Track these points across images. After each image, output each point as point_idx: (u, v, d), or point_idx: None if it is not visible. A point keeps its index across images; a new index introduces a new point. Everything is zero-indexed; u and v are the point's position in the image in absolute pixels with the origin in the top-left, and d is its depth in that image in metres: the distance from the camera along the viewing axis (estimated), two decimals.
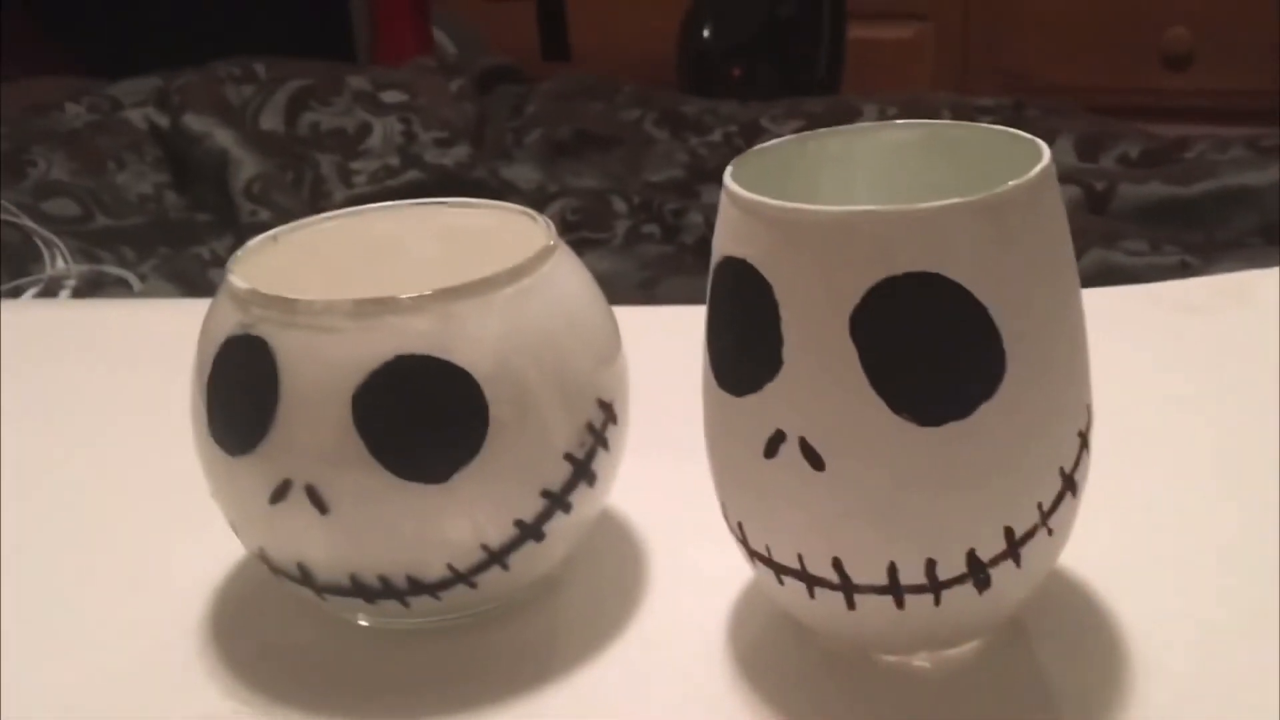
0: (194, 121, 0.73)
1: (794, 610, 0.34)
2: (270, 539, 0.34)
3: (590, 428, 0.35)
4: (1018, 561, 0.30)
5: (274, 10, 1.41)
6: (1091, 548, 0.34)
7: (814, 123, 0.84)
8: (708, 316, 0.32)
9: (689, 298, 0.59)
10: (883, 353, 0.28)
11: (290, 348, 0.32)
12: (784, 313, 0.29)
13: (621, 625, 0.36)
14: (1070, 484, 0.31)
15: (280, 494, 0.33)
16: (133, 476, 0.47)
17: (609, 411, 0.35)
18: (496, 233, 0.39)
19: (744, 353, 0.30)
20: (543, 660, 0.35)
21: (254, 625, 0.37)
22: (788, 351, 0.29)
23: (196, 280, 0.67)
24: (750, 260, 0.30)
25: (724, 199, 0.31)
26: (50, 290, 0.66)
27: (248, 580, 0.39)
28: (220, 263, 0.70)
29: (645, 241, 0.68)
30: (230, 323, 0.33)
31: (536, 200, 0.73)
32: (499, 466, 0.33)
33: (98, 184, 0.74)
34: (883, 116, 0.81)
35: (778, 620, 0.35)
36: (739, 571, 0.37)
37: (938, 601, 0.30)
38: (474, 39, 1.78)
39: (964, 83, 1.92)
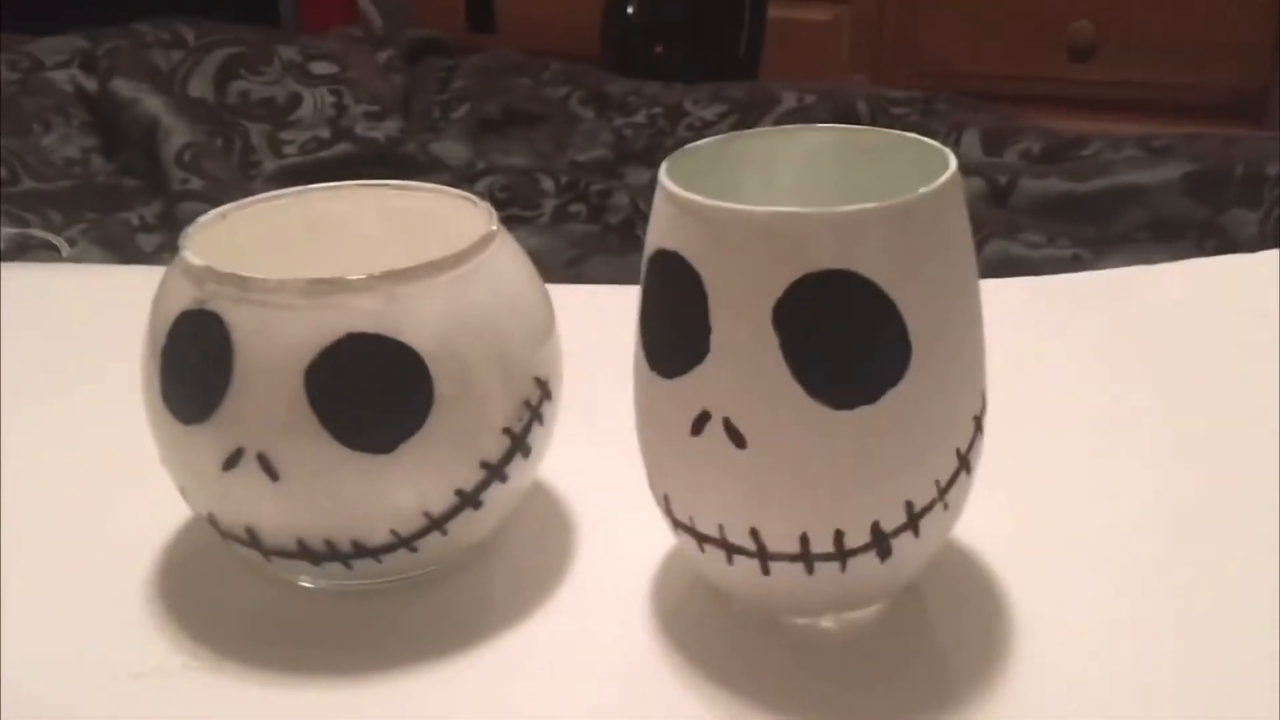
0: (123, 86, 0.73)
1: (713, 576, 0.36)
2: (220, 504, 0.36)
3: (527, 404, 0.37)
4: (916, 533, 0.33)
5: None
6: (982, 522, 0.37)
7: (735, 107, 0.87)
8: (641, 304, 0.35)
9: (614, 277, 0.62)
10: (802, 342, 0.31)
11: (244, 323, 0.34)
12: (712, 303, 0.31)
13: (551, 588, 0.39)
14: (965, 463, 0.34)
15: (232, 461, 0.34)
16: (74, 441, 0.48)
17: (544, 388, 0.38)
18: (437, 215, 0.41)
19: (675, 338, 0.33)
20: (477, 621, 0.37)
21: (200, 585, 0.39)
22: (715, 338, 0.32)
23: (126, 246, 0.68)
24: (682, 253, 0.32)
25: (659, 195, 0.33)
26: None
27: (192, 542, 0.41)
28: (149, 229, 0.70)
29: (572, 220, 0.70)
30: (185, 297, 0.35)
31: (466, 177, 0.74)
32: (442, 439, 0.35)
33: (23, 146, 0.74)
34: (801, 104, 0.84)
35: (696, 585, 0.38)
36: (661, 540, 0.40)
37: (844, 569, 0.33)
38: (398, 8, 1.78)
39: (878, 66, 1.97)
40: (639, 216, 0.69)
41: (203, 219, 0.39)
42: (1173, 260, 0.61)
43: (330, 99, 0.78)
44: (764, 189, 0.37)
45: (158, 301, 0.37)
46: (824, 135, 0.37)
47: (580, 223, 0.70)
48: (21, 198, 0.70)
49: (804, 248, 0.30)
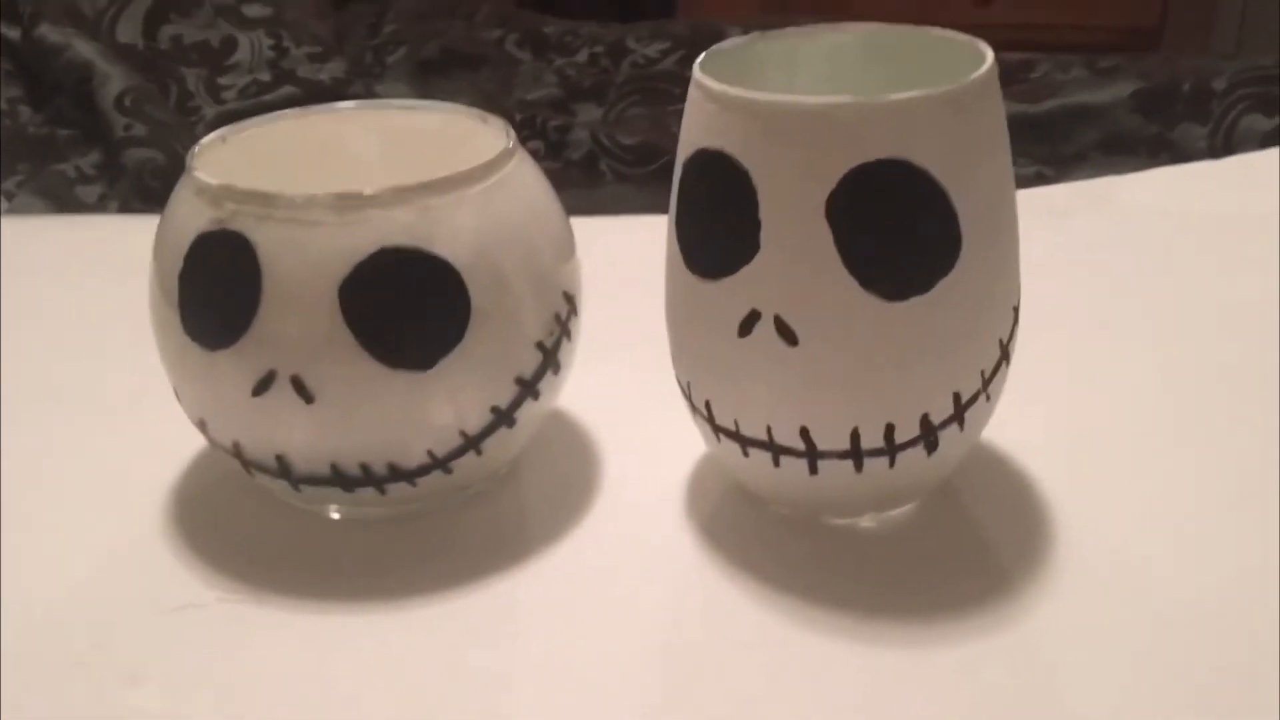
0: (51, 32, 0.70)
1: (756, 481, 0.36)
2: (249, 432, 0.35)
3: (557, 318, 0.36)
4: (961, 425, 0.34)
5: None
6: (996, 419, 0.38)
7: (679, 43, 0.86)
8: (677, 207, 0.34)
9: (585, 210, 0.61)
10: (855, 234, 0.31)
11: (271, 241, 0.33)
12: (762, 199, 0.31)
13: (583, 506, 0.38)
14: (1006, 354, 0.34)
15: (264, 385, 0.33)
16: (66, 388, 0.46)
17: (571, 303, 0.37)
18: (443, 134, 0.40)
19: (720, 238, 0.33)
20: (512, 541, 0.37)
21: (222, 520, 0.38)
22: (765, 235, 0.31)
23: (65, 197, 0.65)
24: (727, 150, 0.32)
25: (696, 95, 0.33)
26: None
27: (206, 476, 0.40)
28: (89, 180, 0.67)
29: (532, 158, 0.69)
30: (202, 219, 0.33)
31: None
32: (479, 354, 0.34)
33: None
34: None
35: (731, 492, 0.38)
36: (687, 452, 0.40)
37: (892, 464, 0.34)
38: None
39: (786, 10, 1.97)
40: (600, 151, 0.68)
41: (204, 141, 0.37)
42: (1130, 174, 0.62)
43: (268, 41, 0.76)
44: (785, 89, 0.36)
45: (167, 226, 0.35)
46: (845, 35, 0.37)
47: (541, 160, 0.69)
48: None
49: (858, 137, 0.30)
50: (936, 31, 0.35)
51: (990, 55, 0.32)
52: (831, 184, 0.30)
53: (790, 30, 0.37)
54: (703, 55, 0.34)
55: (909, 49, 0.36)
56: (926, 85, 0.31)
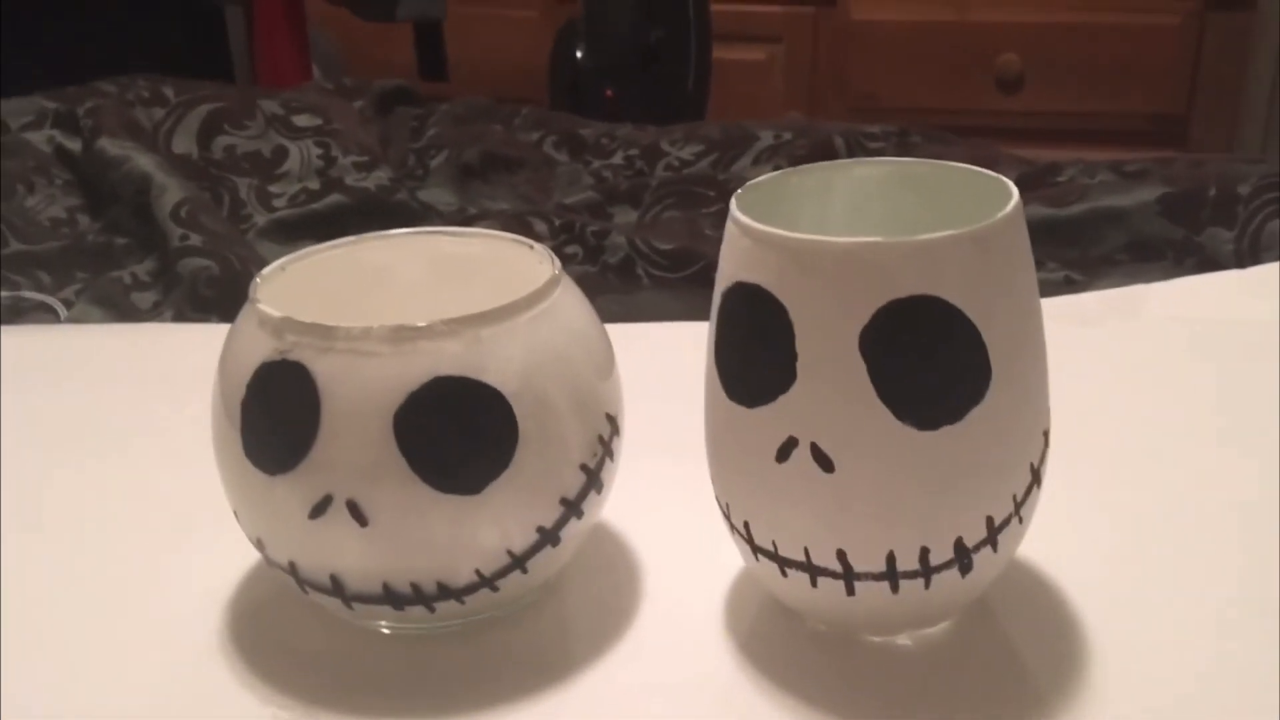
0: (110, 145, 0.73)
1: (794, 599, 0.37)
2: (304, 552, 0.36)
3: (600, 439, 0.38)
4: (995, 547, 0.35)
5: (147, 32, 1.38)
6: (1032, 533, 0.38)
7: (712, 146, 0.88)
8: (716, 337, 0.36)
9: (623, 316, 0.63)
10: (888, 366, 0.32)
11: (330, 371, 0.34)
12: (798, 332, 0.33)
13: (625, 619, 0.39)
14: (1037, 477, 0.35)
15: (320, 509, 0.35)
16: (121, 499, 0.47)
17: (614, 424, 0.39)
18: (488, 260, 0.42)
19: (758, 368, 0.34)
20: (557, 656, 0.38)
21: (274, 635, 0.39)
22: (801, 366, 0.33)
23: (121, 304, 0.67)
24: (764, 285, 0.33)
25: (733, 230, 0.34)
26: None
27: (258, 593, 0.41)
28: (144, 286, 0.70)
29: (569, 262, 0.71)
30: (264, 348, 0.35)
31: (458, 222, 0.75)
32: (526, 477, 0.35)
33: (8, 208, 0.73)
34: (778, 141, 0.86)
35: (768, 608, 0.39)
36: (726, 566, 0.41)
37: (928, 585, 0.34)
38: (333, 60, 1.78)
39: (812, 102, 2.01)
40: (637, 255, 0.70)
41: (265, 271, 0.39)
42: (1158, 278, 0.63)
43: (317, 151, 0.79)
44: (818, 220, 0.38)
45: (230, 354, 0.37)
46: (875, 168, 0.39)
47: (578, 264, 0.71)
48: (11, 260, 0.69)
49: (890, 275, 0.32)
50: (962, 167, 0.37)
51: (1015, 194, 0.34)
52: (865, 319, 0.32)
53: (823, 164, 0.39)
54: (740, 190, 0.36)
55: (936, 181, 0.37)
56: (952, 213, 0.32)
